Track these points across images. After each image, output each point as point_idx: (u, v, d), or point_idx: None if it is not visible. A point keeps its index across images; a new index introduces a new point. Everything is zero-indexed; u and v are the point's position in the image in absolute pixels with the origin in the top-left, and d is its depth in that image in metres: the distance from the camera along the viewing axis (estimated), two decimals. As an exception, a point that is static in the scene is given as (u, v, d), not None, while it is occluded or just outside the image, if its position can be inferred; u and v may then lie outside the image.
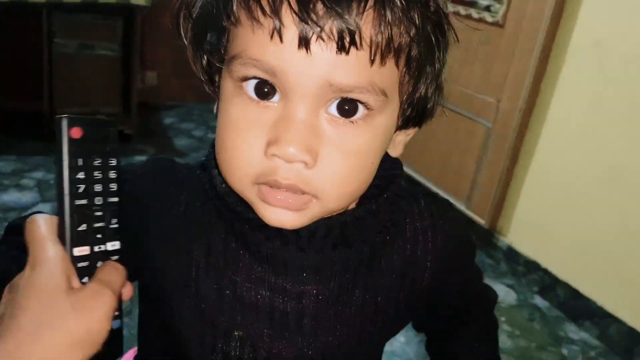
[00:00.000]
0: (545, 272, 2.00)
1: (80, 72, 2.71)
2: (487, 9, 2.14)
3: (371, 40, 0.38)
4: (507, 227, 2.16)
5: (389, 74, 0.41)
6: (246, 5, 0.39)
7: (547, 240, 2.02)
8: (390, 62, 0.40)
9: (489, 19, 2.13)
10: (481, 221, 2.20)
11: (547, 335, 1.81)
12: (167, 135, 2.99)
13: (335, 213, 0.47)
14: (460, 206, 2.29)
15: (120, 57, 2.79)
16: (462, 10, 2.21)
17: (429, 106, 0.47)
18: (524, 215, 2.10)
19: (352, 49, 0.38)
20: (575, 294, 1.89)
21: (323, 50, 0.38)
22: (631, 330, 1.73)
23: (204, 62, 0.47)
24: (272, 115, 0.41)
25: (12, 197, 2.10)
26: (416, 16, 0.39)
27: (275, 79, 0.40)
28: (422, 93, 0.45)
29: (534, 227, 2.07)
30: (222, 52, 0.44)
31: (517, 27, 2.03)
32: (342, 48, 0.38)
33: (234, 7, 0.40)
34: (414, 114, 0.47)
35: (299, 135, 0.40)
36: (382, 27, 0.38)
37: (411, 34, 0.40)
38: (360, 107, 0.41)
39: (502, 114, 2.10)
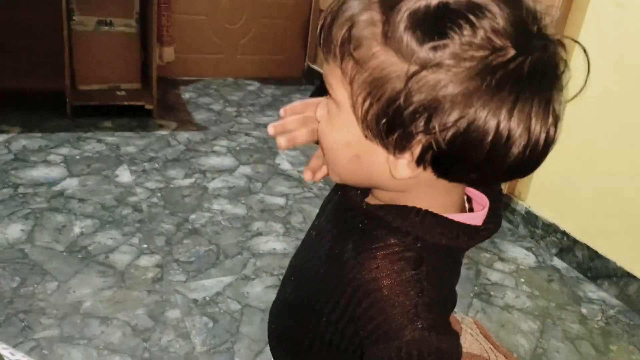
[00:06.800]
0: (564, 234, 2.01)
1: (99, 49, 2.75)
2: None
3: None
4: (525, 191, 2.17)
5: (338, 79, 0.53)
6: None
7: (565, 203, 2.03)
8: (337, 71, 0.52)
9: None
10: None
11: (566, 295, 1.84)
12: (186, 109, 3.03)
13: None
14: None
15: (137, 33, 2.82)
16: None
17: (393, 127, 0.50)
18: (542, 179, 2.10)
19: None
20: (594, 254, 1.91)
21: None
22: (650, 289, 1.75)
23: None
24: None
25: (40, 172, 2.17)
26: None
27: None
28: (373, 112, 0.51)
29: (552, 191, 2.08)
30: None
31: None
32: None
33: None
34: (375, 128, 0.51)
35: None
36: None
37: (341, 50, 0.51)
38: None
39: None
